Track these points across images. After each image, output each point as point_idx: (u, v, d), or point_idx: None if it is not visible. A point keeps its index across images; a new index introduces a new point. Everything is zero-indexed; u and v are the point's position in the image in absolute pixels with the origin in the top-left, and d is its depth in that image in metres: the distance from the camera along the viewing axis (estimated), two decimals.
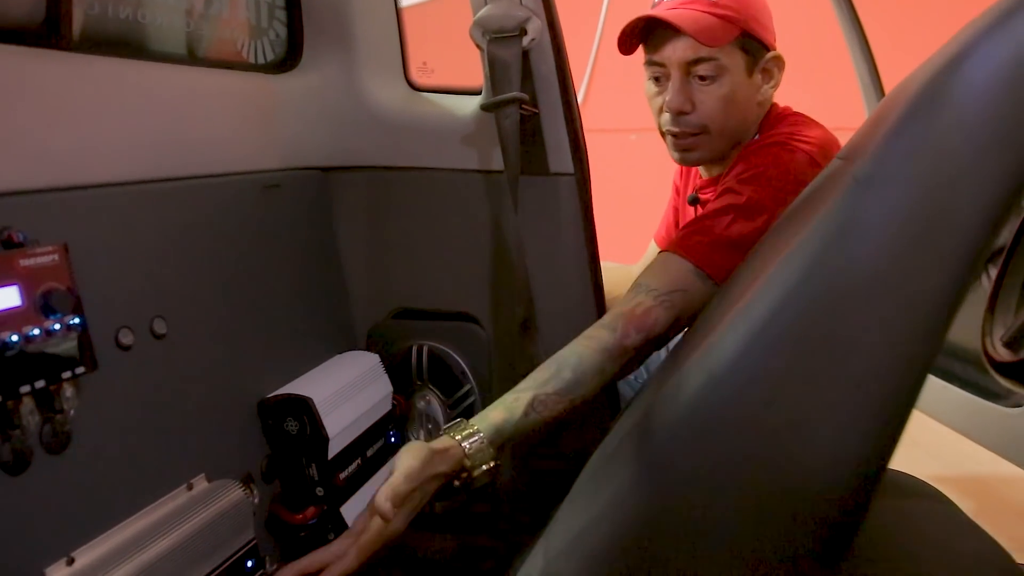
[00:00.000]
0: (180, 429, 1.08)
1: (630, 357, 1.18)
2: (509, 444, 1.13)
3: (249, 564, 1.10)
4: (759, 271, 0.81)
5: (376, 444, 1.39)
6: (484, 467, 1.08)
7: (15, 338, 0.82)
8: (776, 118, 1.37)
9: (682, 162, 1.44)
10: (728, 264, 1.20)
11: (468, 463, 1.08)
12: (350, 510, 1.27)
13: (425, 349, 1.49)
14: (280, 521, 1.23)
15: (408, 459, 1.03)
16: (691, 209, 1.56)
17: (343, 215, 1.52)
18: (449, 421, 1.48)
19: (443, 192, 1.48)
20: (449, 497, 1.11)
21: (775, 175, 1.22)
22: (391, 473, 1.04)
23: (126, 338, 1.00)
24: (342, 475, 1.28)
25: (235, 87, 1.32)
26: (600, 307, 1.42)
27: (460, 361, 1.48)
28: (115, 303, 0.99)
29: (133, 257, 1.04)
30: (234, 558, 1.07)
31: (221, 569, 1.05)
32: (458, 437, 1.08)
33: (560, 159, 1.39)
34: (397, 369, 1.49)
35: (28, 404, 0.85)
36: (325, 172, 1.49)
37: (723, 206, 1.24)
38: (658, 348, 1.20)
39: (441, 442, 1.08)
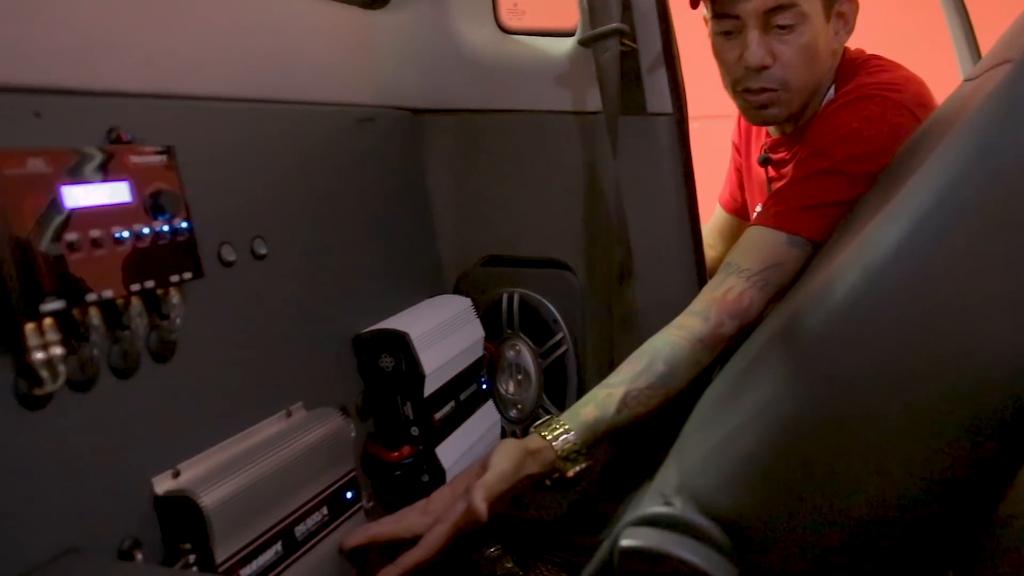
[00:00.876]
0: (279, 355, 1.05)
1: (726, 345, 1.13)
2: (601, 442, 1.10)
3: (349, 495, 1.06)
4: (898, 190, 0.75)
5: (469, 389, 1.35)
6: (576, 468, 1.07)
7: (125, 234, 0.79)
8: (854, 66, 1.27)
9: (757, 121, 1.35)
10: (825, 224, 1.13)
11: (560, 464, 1.06)
12: (444, 452, 1.23)
13: (516, 297, 1.45)
14: (375, 459, 1.19)
15: (502, 461, 1.02)
16: (761, 170, 1.49)
17: (433, 158, 1.48)
18: (540, 370, 1.45)
19: (535, 135, 1.44)
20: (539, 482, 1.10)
21: (870, 131, 1.14)
22: (482, 467, 1.03)
23: (228, 254, 0.98)
24: (437, 416, 1.24)
25: (331, 17, 1.29)
26: (699, 252, 1.37)
27: (552, 309, 1.43)
28: (216, 217, 0.97)
29: (233, 174, 1.01)
30: (334, 487, 1.04)
31: (321, 497, 1.01)
32: (549, 437, 1.06)
33: (658, 98, 1.34)
34: (487, 317, 1.45)
35: (137, 306, 0.82)
36: (416, 114, 1.46)
37: (814, 170, 1.16)
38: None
39: (534, 442, 1.07)
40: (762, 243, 1.16)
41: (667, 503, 0.73)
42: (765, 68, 1.20)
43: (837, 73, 1.28)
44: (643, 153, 1.35)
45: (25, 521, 0.72)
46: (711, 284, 1.18)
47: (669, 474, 0.77)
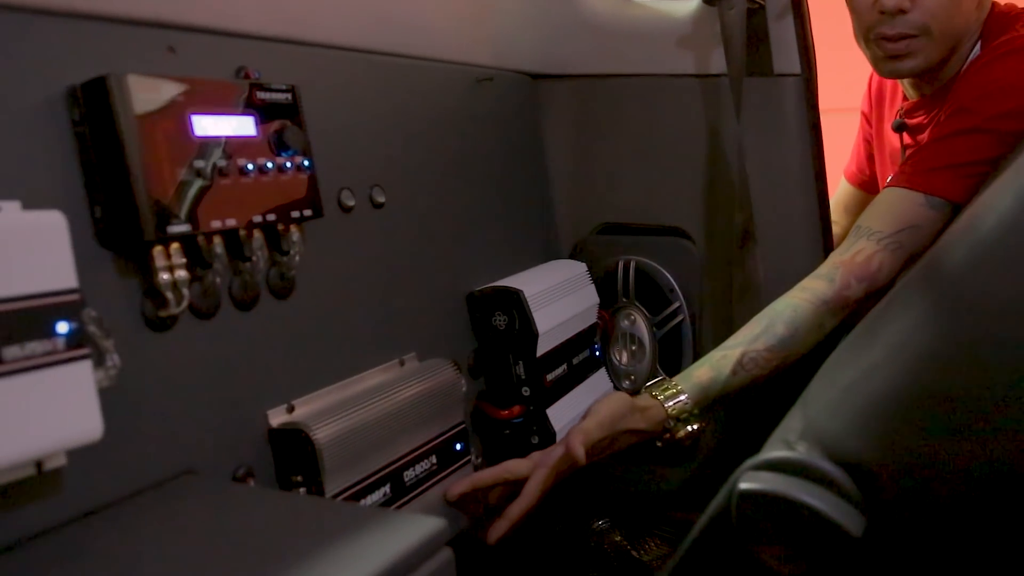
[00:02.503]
0: (394, 305, 1.06)
1: (852, 310, 1.07)
2: (715, 405, 1.07)
3: (458, 447, 1.06)
4: None
5: (582, 354, 1.33)
6: (688, 429, 1.05)
7: (250, 166, 0.81)
8: (1007, 19, 1.17)
9: (891, 73, 1.25)
10: (967, 184, 1.05)
11: (670, 424, 1.04)
12: (555, 414, 1.22)
13: (632, 265, 1.42)
14: (485, 416, 1.19)
15: (603, 409, 1.02)
16: (894, 140, 1.40)
17: (551, 124, 1.47)
18: (655, 340, 1.41)
19: (656, 100, 1.41)
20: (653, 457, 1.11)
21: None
22: (585, 416, 1.03)
23: (348, 199, 0.99)
24: (549, 377, 1.22)
25: None
26: (825, 220, 1.31)
27: (669, 277, 1.40)
28: (336, 163, 0.98)
29: (354, 122, 1.02)
30: (444, 437, 1.03)
31: (431, 445, 1.01)
32: (660, 397, 1.05)
33: (786, 58, 1.29)
34: (602, 286, 1.42)
35: (258, 238, 0.84)
36: (534, 79, 1.45)
37: (957, 128, 1.08)
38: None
39: (643, 400, 1.05)
40: (896, 204, 1.10)
41: (790, 448, 0.69)
42: (902, 12, 1.13)
43: (984, 28, 1.19)
44: (769, 115, 1.31)
45: (147, 439, 0.74)
46: (840, 248, 1.13)
47: (793, 420, 0.73)
